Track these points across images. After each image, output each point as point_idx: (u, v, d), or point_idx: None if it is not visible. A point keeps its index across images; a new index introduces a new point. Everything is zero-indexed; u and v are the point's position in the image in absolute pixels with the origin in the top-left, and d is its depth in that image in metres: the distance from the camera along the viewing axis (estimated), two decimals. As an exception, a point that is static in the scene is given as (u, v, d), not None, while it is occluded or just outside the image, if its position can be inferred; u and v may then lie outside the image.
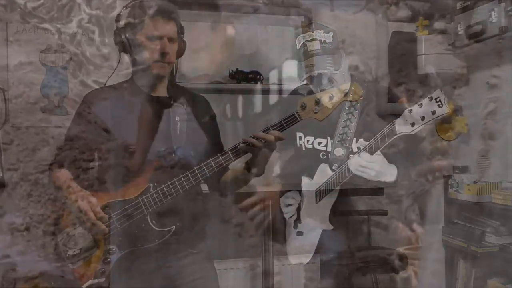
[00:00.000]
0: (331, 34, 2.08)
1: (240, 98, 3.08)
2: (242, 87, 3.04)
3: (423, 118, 1.86)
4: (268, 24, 3.14)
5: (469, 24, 2.94)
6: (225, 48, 3.11)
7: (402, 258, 2.80)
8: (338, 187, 2.16)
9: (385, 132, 1.94)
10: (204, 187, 2.08)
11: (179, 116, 1.91)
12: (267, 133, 1.80)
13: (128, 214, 1.82)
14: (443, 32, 3.17)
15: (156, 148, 1.89)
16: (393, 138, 1.93)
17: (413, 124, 1.89)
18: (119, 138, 1.87)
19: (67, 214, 1.84)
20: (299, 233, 2.32)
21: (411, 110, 1.89)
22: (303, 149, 2.26)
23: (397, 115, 1.95)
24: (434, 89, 3.16)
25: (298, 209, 2.29)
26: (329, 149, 2.19)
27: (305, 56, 2.13)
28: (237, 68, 3.03)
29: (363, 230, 3.02)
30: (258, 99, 3.06)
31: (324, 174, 2.21)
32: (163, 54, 1.87)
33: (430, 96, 1.86)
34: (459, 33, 3.02)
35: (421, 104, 1.87)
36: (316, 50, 2.08)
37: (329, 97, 1.80)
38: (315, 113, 1.81)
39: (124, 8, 1.92)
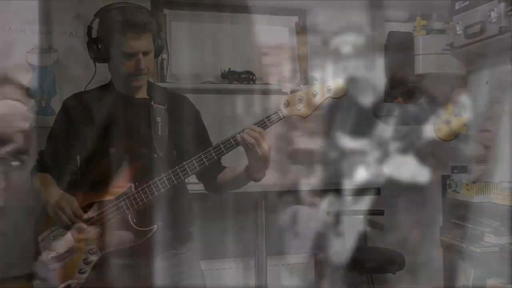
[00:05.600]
0: None
1: (232, 98, 3.08)
2: (234, 87, 3.04)
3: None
4: (261, 24, 3.13)
5: (468, 24, 2.92)
6: (217, 48, 3.11)
7: (399, 258, 2.80)
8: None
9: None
10: (193, 187, 2.08)
11: (159, 116, 1.91)
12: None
13: (108, 214, 1.82)
14: (441, 32, 3.16)
15: (137, 149, 1.89)
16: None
17: None
18: (99, 140, 1.87)
19: (48, 216, 1.84)
20: (294, 233, 2.34)
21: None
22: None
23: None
24: (432, 89, 3.18)
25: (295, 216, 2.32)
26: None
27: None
28: (229, 68, 3.04)
29: (360, 230, 3.02)
30: (250, 99, 3.05)
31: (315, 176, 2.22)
32: (137, 69, 1.84)
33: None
34: (458, 33, 3.00)
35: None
36: None
37: (313, 94, 1.79)
38: (298, 110, 1.80)
39: (94, 18, 1.89)
